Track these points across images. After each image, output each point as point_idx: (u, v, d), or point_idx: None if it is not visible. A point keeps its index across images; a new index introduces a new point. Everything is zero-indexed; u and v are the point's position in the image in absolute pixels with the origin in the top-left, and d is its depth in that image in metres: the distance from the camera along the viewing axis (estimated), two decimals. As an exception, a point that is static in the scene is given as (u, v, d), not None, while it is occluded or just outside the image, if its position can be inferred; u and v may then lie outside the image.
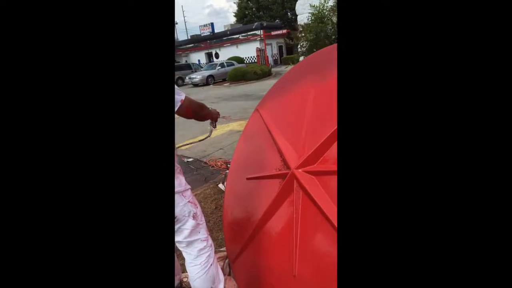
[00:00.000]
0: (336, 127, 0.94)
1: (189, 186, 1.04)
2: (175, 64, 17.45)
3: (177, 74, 15.42)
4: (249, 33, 19.65)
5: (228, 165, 2.30)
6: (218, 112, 1.31)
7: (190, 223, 1.02)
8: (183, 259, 1.13)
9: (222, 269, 1.24)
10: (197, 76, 14.05)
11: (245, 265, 1.25)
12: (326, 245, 0.91)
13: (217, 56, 21.34)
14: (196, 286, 1.09)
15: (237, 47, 20.39)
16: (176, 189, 0.97)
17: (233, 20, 28.40)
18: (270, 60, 19.43)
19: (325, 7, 6.93)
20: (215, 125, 1.33)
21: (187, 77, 14.65)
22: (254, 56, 19.15)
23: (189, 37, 26.62)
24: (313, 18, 7.04)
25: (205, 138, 1.44)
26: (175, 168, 1.01)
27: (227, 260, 1.40)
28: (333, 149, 0.96)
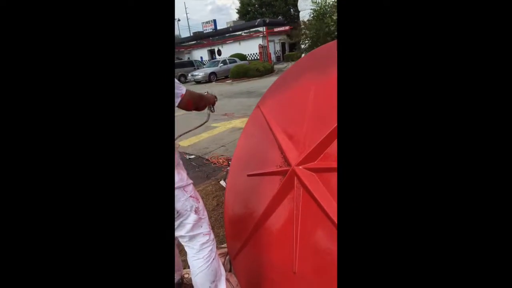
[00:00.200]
0: (335, 124, 0.93)
1: (191, 181, 1.05)
2: (178, 61, 17.48)
3: (180, 71, 15.44)
4: (251, 30, 19.57)
5: (230, 162, 2.30)
6: (215, 96, 1.34)
7: (192, 217, 1.03)
8: (185, 255, 1.13)
9: (223, 265, 1.25)
10: (199, 73, 14.04)
11: (246, 262, 1.25)
12: (326, 242, 0.91)
13: (219, 53, 21.28)
14: (198, 280, 1.09)
15: (239, 44, 20.32)
16: (177, 184, 0.97)
17: (235, 17, 28.35)
18: (273, 57, 19.36)
19: (327, 3, 6.87)
20: (214, 109, 1.34)
21: (189, 74, 14.65)
22: (256, 53, 19.08)
23: (191, 34, 26.59)
24: (315, 14, 6.98)
25: (204, 123, 1.44)
26: (177, 163, 1.01)
27: (228, 257, 1.41)
28: (334, 146, 0.96)
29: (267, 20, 19.55)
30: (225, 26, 23.45)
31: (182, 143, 3.92)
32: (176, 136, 1.33)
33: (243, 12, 26.81)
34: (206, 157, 3.33)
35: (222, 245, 1.56)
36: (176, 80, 0.95)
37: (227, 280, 1.20)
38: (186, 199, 1.00)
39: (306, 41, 7.41)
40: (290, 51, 18.18)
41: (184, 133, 1.39)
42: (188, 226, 1.03)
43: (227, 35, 21.49)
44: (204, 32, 23.66)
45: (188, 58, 21.46)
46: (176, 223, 1.01)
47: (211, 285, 1.09)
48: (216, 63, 15.15)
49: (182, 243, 1.10)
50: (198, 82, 13.75)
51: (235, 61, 15.14)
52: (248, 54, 19.04)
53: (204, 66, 16.58)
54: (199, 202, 1.06)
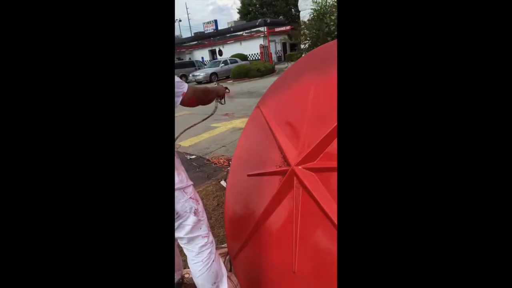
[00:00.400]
0: (335, 124, 0.93)
1: (191, 182, 1.04)
2: (179, 61, 17.48)
3: (181, 71, 15.46)
4: (252, 30, 19.58)
5: (230, 162, 2.31)
6: (225, 88, 1.30)
7: (192, 219, 1.02)
8: (185, 255, 1.13)
9: (224, 264, 1.25)
10: (200, 74, 14.06)
11: (246, 261, 1.25)
12: (326, 241, 0.91)
13: (220, 53, 21.30)
14: (199, 283, 1.09)
15: (240, 44, 20.33)
16: (177, 185, 0.97)
17: (236, 17, 28.38)
18: (274, 57, 19.36)
19: (327, 3, 6.85)
20: (224, 101, 1.29)
21: (190, 75, 14.67)
22: (257, 53, 19.09)
23: (192, 35, 26.63)
24: (315, 14, 6.96)
25: (210, 116, 1.39)
26: (177, 164, 1.01)
27: (228, 256, 1.41)
28: (333, 146, 0.96)
29: (268, 20, 19.55)
30: (226, 26, 23.48)
31: (183, 143, 3.93)
32: (180, 132, 1.32)
33: (244, 12, 26.82)
34: (207, 157, 3.34)
35: (223, 245, 1.56)
36: (177, 79, 0.94)
37: (228, 277, 1.20)
38: (186, 201, 1.00)
39: (306, 41, 7.40)
40: (291, 51, 18.17)
41: (188, 128, 1.36)
42: (187, 228, 1.03)
43: (228, 35, 21.51)
44: (205, 32, 23.71)
45: (189, 58, 21.49)
46: (175, 225, 1.01)
47: (212, 286, 1.09)
48: (217, 64, 15.17)
49: (181, 246, 1.10)
50: (199, 82, 13.76)
51: (236, 61, 15.15)
52: (249, 54, 19.05)
53: (205, 66, 16.62)
54: (198, 203, 1.06)
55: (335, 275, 0.82)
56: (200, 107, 1.14)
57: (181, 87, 0.96)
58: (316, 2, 6.92)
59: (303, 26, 7.66)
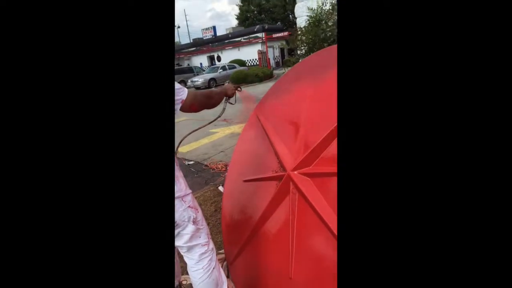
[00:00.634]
0: (330, 129, 0.94)
1: (190, 191, 1.02)
2: (177, 67, 17.53)
3: (180, 77, 15.49)
4: (251, 36, 19.71)
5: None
6: (236, 86, 1.22)
7: (190, 228, 1.01)
8: (184, 261, 1.13)
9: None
10: (199, 79, 14.10)
11: (243, 267, 1.25)
12: (321, 247, 0.91)
13: (219, 59, 21.42)
14: None
15: (239, 50, 20.45)
16: (176, 194, 0.95)
17: (235, 23, 28.59)
18: (272, 62, 19.46)
19: (322, 10, 6.93)
20: (235, 101, 1.21)
21: (189, 80, 14.71)
22: (256, 59, 19.19)
23: (191, 41, 26.76)
24: (311, 21, 7.04)
25: (217, 118, 1.31)
26: (176, 171, 0.99)
27: (225, 262, 1.40)
28: (329, 151, 0.97)
29: (266, 26, 19.70)
30: (224, 33, 23.62)
31: (182, 149, 3.92)
32: (181, 139, 1.27)
33: (242, 18, 27.05)
34: (205, 163, 3.34)
35: (220, 251, 1.55)
36: (177, 85, 0.92)
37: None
38: (184, 210, 0.98)
39: (303, 47, 7.46)
40: (289, 56, 18.30)
41: (192, 132, 1.32)
42: (186, 237, 1.01)
43: (226, 41, 21.64)
44: (204, 38, 23.82)
45: (188, 64, 21.57)
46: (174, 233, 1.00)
47: None
48: (215, 69, 15.23)
49: (181, 253, 1.09)
50: (197, 88, 13.80)
51: (235, 67, 15.22)
52: (247, 60, 19.14)
53: (203, 72, 16.66)
54: (198, 212, 1.04)
55: (331, 281, 0.82)
56: (202, 111, 1.07)
57: (180, 94, 0.94)
58: (311, 9, 7.00)
59: (299, 32, 7.74)
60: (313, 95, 1.14)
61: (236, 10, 27.74)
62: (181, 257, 1.30)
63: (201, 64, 22.09)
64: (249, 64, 18.46)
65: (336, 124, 0.92)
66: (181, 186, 0.98)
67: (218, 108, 1.19)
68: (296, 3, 8.50)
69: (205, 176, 2.96)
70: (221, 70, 14.77)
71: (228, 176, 1.58)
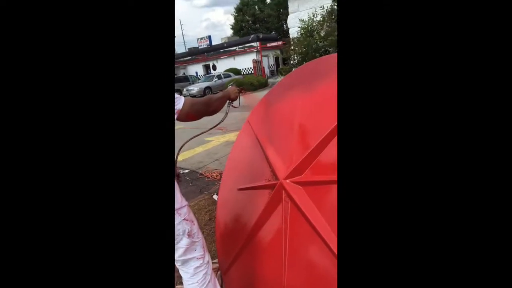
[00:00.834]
0: (322, 137, 0.96)
1: (185, 203, 1.00)
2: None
3: (175, 86, 15.49)
4: (246, 45, 19.91)
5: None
6: (239, 89, 1.17)
7: (185, 241, 0.99)
8: (178, 271, 1.11)
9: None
10: (194, 88, 14.16)
11: (236, 276, 1.24)
12: (314, 255, 0.91)
13: (214, 68, 21.55)
14: None
15: (234, 59, 20.62)
16: None
17: (230, 32, 28.85)
18: (267, 71, 19.64)
19: (313, 21, 7.06)
20: (238, 104, 1.17)
21: (184, 89, 14.76)
22: (251, 68, 19.37)
23: (187, 50, 26.94)
24: (302, 32, 7.17)
25: (219, 123, 1.28)
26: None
27: (219, 272, 1.39)
28: (320, 160, 0.98)
29: (261, 36, 19.93)
30: (220, 42, 23.82)
31: (176, 158, 3.91)
32: (179, 149, 1.23)
33: (237, 28, 27.37)
34: (200, 171, 3.33)
35: (214, 261, 1.54)
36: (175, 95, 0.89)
37: None
38: (179, 223, 0.96)
39: (295, 57, 7.57)
40: (284, 65, 18.48)
41: (194, 136, 1.29)
42: (181, 250, 1.00)
43: (221, 50, 21.81)
44: (199, 48, 24.02)
45: (184, 73, 21.64)
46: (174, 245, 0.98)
47: None
48: (211, 78, 15.31)
49: (176, 266, 1.07)
50: (193, 96, 13.83)
51: (230, 76, 15.32)
52: (242, 69, 19.29)
53: (199, 80, 16.74)
54: (193, 224, 1.02)
55: (323, 289, 0.82)
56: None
57: (176, 103, 0.92)
58: (302, 20, 7.13)
59: (292, 43, 7.85)
60: (305, 104, 1.16)
61: (231, 20, 28.07)
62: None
63: (196, 73, 22.19)
64: (244, 73, 18.60)
65: (327, 133, 0.94)
66: (176, 198, 0.95)
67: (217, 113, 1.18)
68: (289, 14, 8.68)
69: (199, 184, 2.95)
70: (216, 79, 14.86)
71: (222, 184, 1.58)
